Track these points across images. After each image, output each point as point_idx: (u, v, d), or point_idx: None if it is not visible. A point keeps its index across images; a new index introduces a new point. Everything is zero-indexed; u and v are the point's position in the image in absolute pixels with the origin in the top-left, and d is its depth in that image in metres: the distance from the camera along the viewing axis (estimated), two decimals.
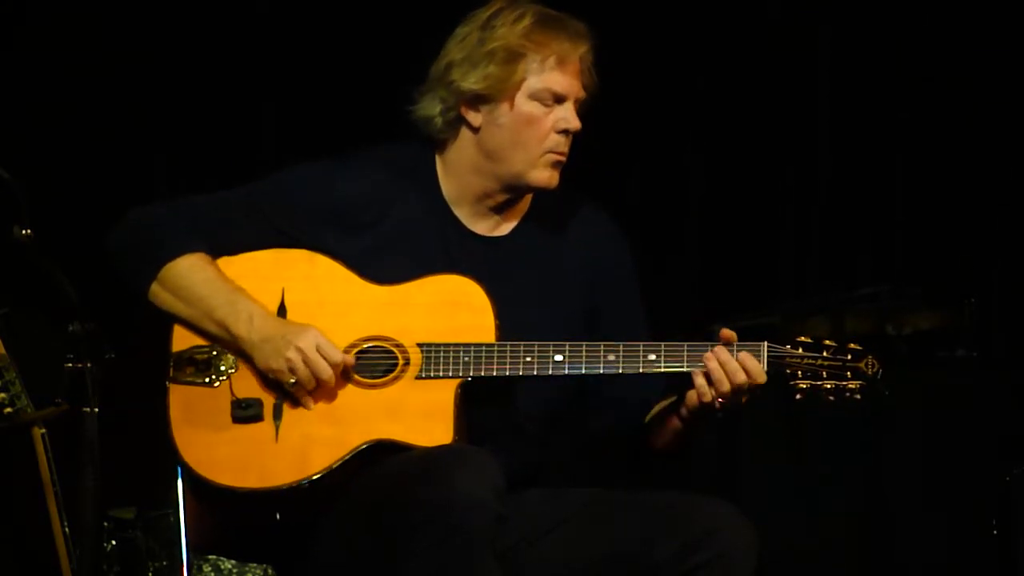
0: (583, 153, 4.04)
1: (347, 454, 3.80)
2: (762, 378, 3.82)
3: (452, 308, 3.87)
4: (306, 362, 3.82)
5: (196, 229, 3.95)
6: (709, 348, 3.83)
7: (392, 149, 4.05)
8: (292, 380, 3.83)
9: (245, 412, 3.86)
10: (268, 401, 3.87)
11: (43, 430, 4.44)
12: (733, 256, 6.10)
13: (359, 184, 3.99)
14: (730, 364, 3.81)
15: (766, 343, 3.84)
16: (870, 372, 3.86)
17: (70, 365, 3.81)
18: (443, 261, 3.93)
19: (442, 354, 3.84)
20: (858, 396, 3.86)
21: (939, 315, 5.57)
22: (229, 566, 4.29)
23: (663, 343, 3.85)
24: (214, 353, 3.91)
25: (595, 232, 4.09)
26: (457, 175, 4.01)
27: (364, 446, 3.80)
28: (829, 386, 3.85)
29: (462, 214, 4.02)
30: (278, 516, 3.82)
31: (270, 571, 4.05)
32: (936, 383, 5.78)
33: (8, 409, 4.40)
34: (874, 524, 5.86)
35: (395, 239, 3.96)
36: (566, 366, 3.85)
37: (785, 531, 5.78)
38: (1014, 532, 5.28)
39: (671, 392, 3.93)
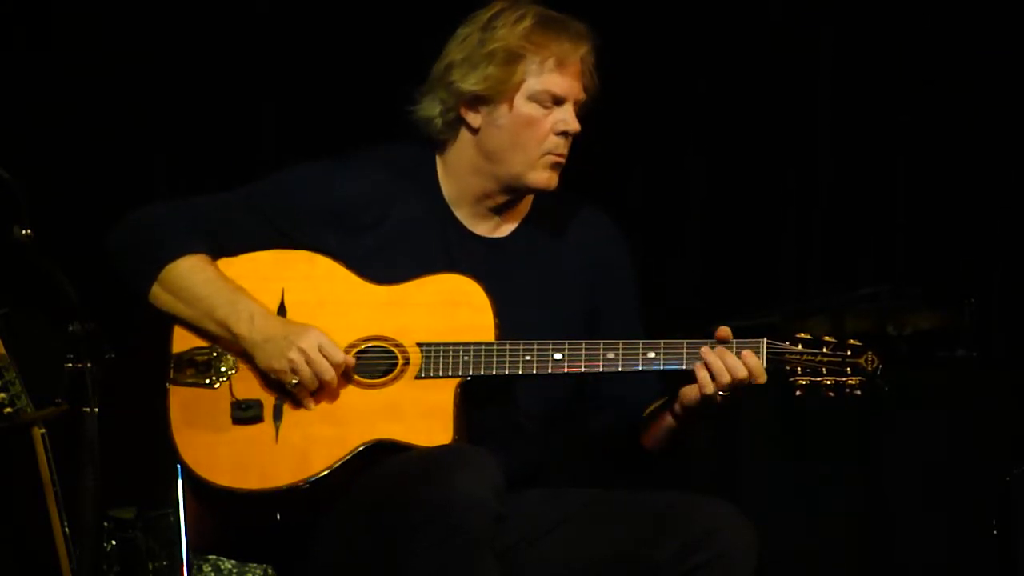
0: (585, 154, 4.04)
1: (347, 454, 3.80)
2: (763, 377, 3.82)
3: (451, 307, 3.87)
4: (308, 362, 3.82)
5: (196, 230, 3.95)
6: (708, 345, 3.83)
7: (392, 149, 4.05)
8: (294, 380, 3.83)
9: (245, 413, 3.86)
10: (268, 402, 3.87)
11: (43, 430, 4.43)
12: (734, 257, 6.09)
13: (359, 185, 3.99)
14: (731, 359, 3.81)
15: (765, 339, 3.84)
16: (870, 368, 3.86)
17: (70, 365, 3.80)
18: (443, 262, 3.93)
19: (441, 354, 3.84)
20: (858, 392, 3.86)
21: (939, 315, 5.57)
22: (229, 566, 4.28)
23: (662, 341, 3.85)
24: (214, 354, 3.91)
25: (596, 234, 4.09)
26: (457, 176, 4.01)
27: (364, 446, 3.81)
28: (829, 382, 3.85)
29: (462, 215, 4.02)
30: (278, 517, 3.83)
31: (270, 571, 4.05)
32: (936, 383, 5.78)
33: (8, 409, 4.39)
34: (874, 524, 5.86)
35: (395, 239, 3.96)
36: (565, 364, 3.85)
37: (785, 531, 5.78)
38: (1014, 532, 5.28)
39: (667, 394, 3.94)
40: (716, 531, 3.78)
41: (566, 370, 3.84)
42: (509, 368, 3.84)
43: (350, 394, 3.85)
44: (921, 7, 5.99)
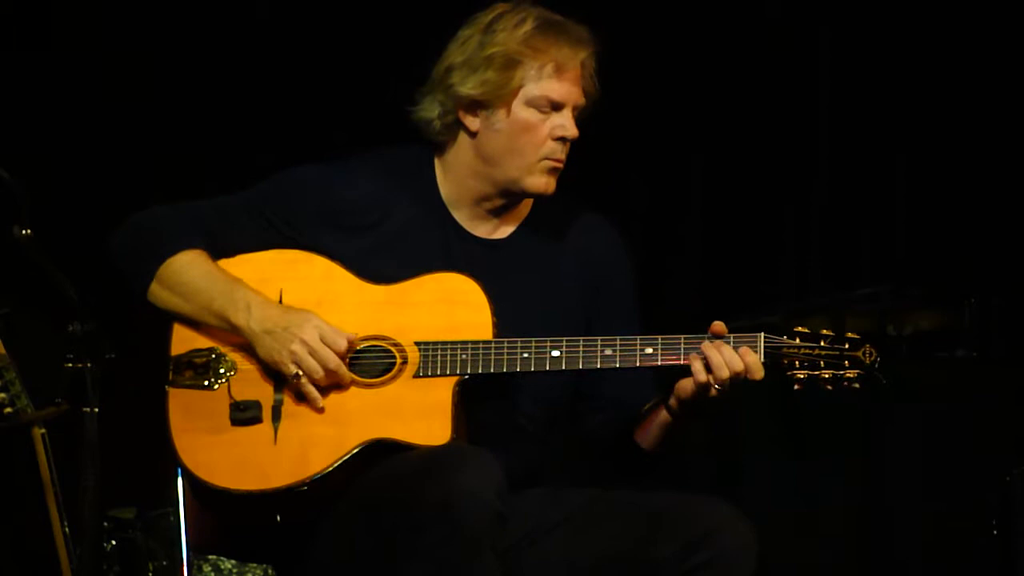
0: (584, 154, 4.04)
1: (346, 454, 3.80)
2: (760, 373, 3.81)
3: (449, 306, 3.87)
4: (311, 353, 3.82)
5: (195, 228, 3.95)
6: (706, 340, 3.83)
7: (391, 151, 4.06)
8: (296, 372, 3.83)
9: (243, 414, 3.86)
10: (267, 403, 3.87)
11: (43, 430, 4.44)
12: (734, 256, 6.09)
13: (359, 186, 3.99)
14: (728, 352, 3.80)
15: (763, 334, 3.83)
16: (868, 361, 3.85)
17: (70, 365, 3.80)
18: (441, 263, 3.93)
19: (439, 352, 3.84)
20: (856, 385, 3.85)
21: (939, 315, 5.57)
22: (229, 566, 4.28)
23: (659, 336, 3.85)
24: (212, 356, 3.91)
25: (595, 238, 4.09)
26: (455, 178, 4.02)
27: (363, 446, 3.81)
28: (827, 376, 3.84)
29: (461, 217, 4.02)
30: (278, 518, 3.83)
31: (270, 571, 4.04)
32: (936, 383, 5.78)
33: (8, 409, 4.40)
34: (874, 524, 5.86)
35: (394, 240, 3.97)
36: (563, 362, 3.85)
37: (785, 531, 5.78)
38: (1014, 532, 5.28)
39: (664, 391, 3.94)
40: (716, 531, 3.78)
41: (564, 367, 3.84)
42: (507, 366, 3.84)
43: (348, 394, 3.86)
44: (921, 6, 5.99)
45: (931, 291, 5.57)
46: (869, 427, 5.87)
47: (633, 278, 4.12)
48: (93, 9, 5.78)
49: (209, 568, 4.26)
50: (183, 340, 3.93)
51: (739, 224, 6.10)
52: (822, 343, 3.85)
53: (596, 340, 3.85)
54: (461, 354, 3.84)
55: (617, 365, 3.84)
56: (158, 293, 3.94)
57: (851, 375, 3.85)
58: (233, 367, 3.90)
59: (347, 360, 3.86)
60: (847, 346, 3.85)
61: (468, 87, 3.93)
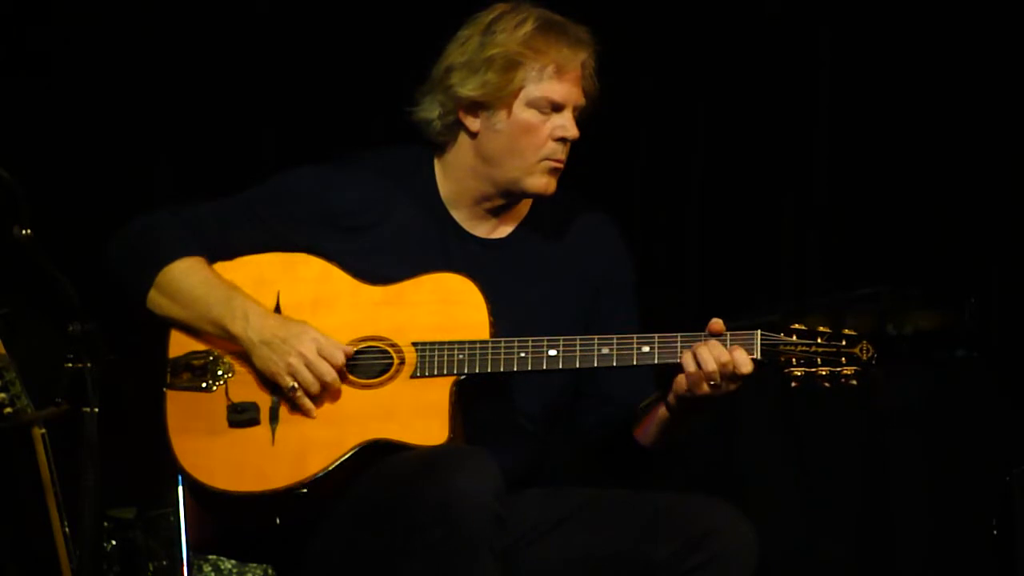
0: (584, 153, 4.04)
1: (343, 455, 3.80)
2: (747, 367, 3.78)
3: (446, 306, 3.87)
4: (308, 366, 3.82)
5: (193, 234, 3.95)
6: (703, 338, 3.83)
7: (390, 151, 4.06)
8: (292, 384, 3.83)
9: (241, 416, 3.86)
10: (264, 404, 3.87)
11: (43, 430, 4.44)
12: (733, 256, 6.09)
13: (358, 187, 3.99)
14: (717, 346, 3.79)
15: (759, 331, 3.83)
16: (865, 357, 3.85)
17: (70, 365, 3.81)
18: (440, 263, 3.93)
19: (436, 352, 3.84)
20: (854, 382, 3.85)
21: (939, 315, 5.56)
22: (229, 566, 4.28)
23: (656, 335, 3.85)
24: (210, 359, 3.91)
25: (595, 238, 4.09)
26: (455, 178, 4.02)
27: (361, 446, 3.81)
28: (824, 372, 3.83)
29: (460, 216, 4.02)
30: (277, 520, 3.83)
31: (270, 571, 4.04)
32: (936, 383, 5.78)
33: (8, 409, 4.40)
34: (874, 525, 5.86)
35: (393, 241, 3.97)
36: (560, 360, 3.85)
37: (785, 531, 5.78)
38: (1014, 532, 5.28)
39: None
40: (715, 531, 3.78)
41: (561, 366, 3.84)
42: (504, 366, 3.84)
43: (346, 395, 3.86)
44: (921, 5, 5.99)
45: (931, 291, 5.56)
46: (869, 427, 5.87)
47: (633, 277, 4.12)
48: (93, 9, 5.78)
49: (209, 568, 4.26)
50: (181, 342, 3.93)
51: (739, 224, 6.10)
52: (819, 340, 3.84)
53: (593, 339, 3.84)
54: (458, 354, 3.84)
55: (614, 364, 3.84)
56: (157, 300, 3.94)
57: (848, 372, 3.84)
58: (230, 369, 3.90)
59: (347, 374, 3.87)
60: (844, 343, 3.85)
61: (469, 88, 3.93)
